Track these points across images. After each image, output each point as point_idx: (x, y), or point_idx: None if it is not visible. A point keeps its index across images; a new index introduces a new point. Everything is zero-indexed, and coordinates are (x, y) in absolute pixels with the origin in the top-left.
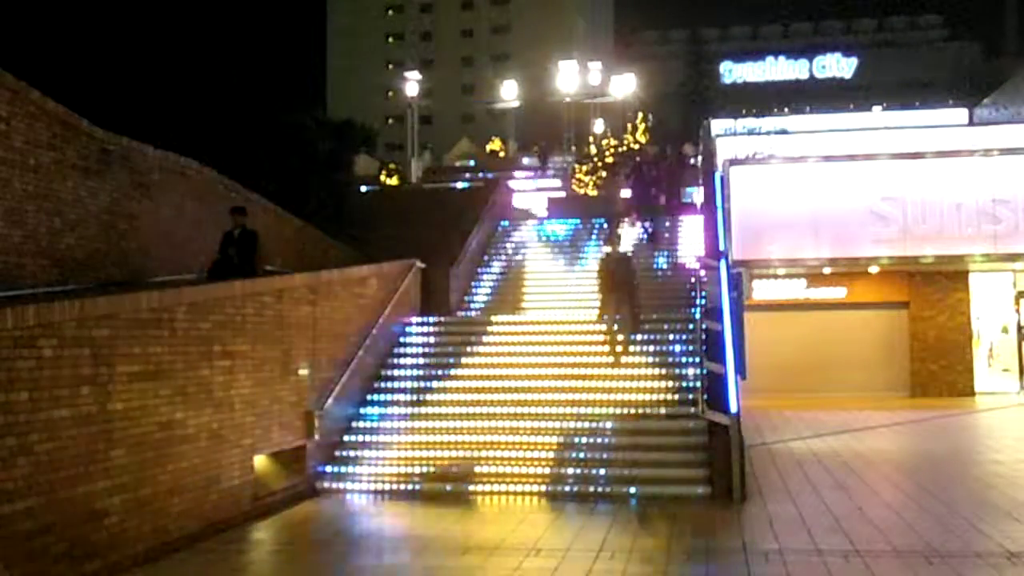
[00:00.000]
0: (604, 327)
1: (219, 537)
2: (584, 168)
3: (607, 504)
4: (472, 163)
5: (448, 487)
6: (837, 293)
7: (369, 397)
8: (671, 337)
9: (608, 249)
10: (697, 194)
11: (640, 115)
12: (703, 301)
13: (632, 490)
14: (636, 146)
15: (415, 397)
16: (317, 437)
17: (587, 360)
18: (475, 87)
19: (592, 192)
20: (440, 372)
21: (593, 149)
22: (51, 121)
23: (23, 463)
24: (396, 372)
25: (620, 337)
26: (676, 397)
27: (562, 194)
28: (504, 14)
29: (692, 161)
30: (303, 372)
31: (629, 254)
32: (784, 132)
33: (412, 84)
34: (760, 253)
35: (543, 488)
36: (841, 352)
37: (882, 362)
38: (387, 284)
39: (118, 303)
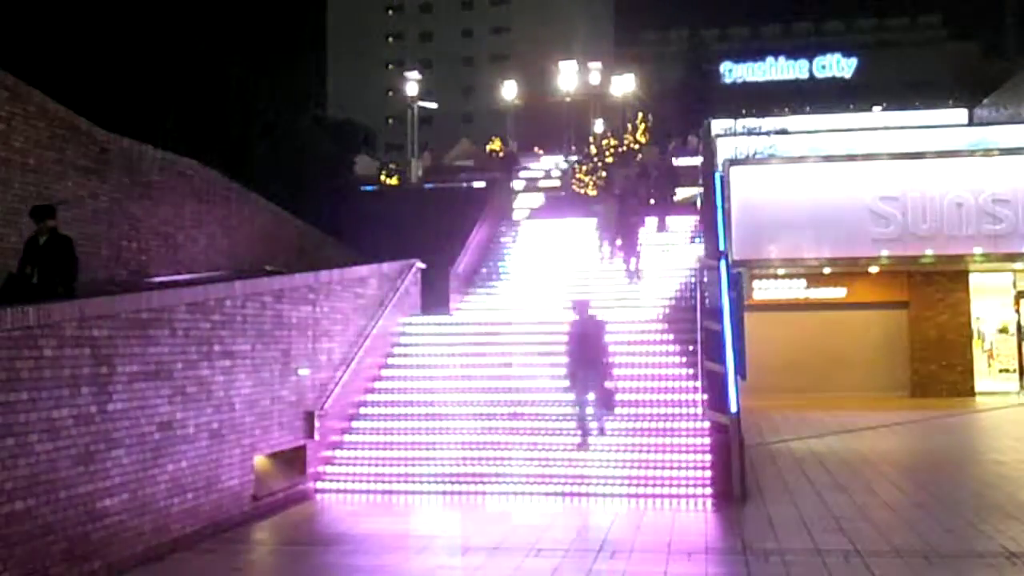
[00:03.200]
0: (572, 407)
1: (219, 537)
2: (584, 168)
3: (607, 504)
4: (472, 163)
5: (448, 487)
6: (837, 293)
7: (369, 397)
8: None
9: (576, 317)
10: (684, 193)
11: (640, 115)
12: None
13: (632, 490)
14: (636, 146)
15: (415, 397)
16: (317, 437)
17: None
18: (475, 87)
19: (592, 192)
20: (440, 372)
21: (593, 149)
22: (51, 121)
23: (23, 463)
24: (396, 372)
25: (590, 417)
26: (677, 397)
27: (541, 201)
28: (504, 14)
29: (675, 161)
30: (303, 372)
31: (601, 317)
32: (784, 132)
33: (412, 84)
34: (760, 253)
35: (543, 488)
36: (841, 352)
37: (882, 362)
38: (387, 284)
39: (118, 303)
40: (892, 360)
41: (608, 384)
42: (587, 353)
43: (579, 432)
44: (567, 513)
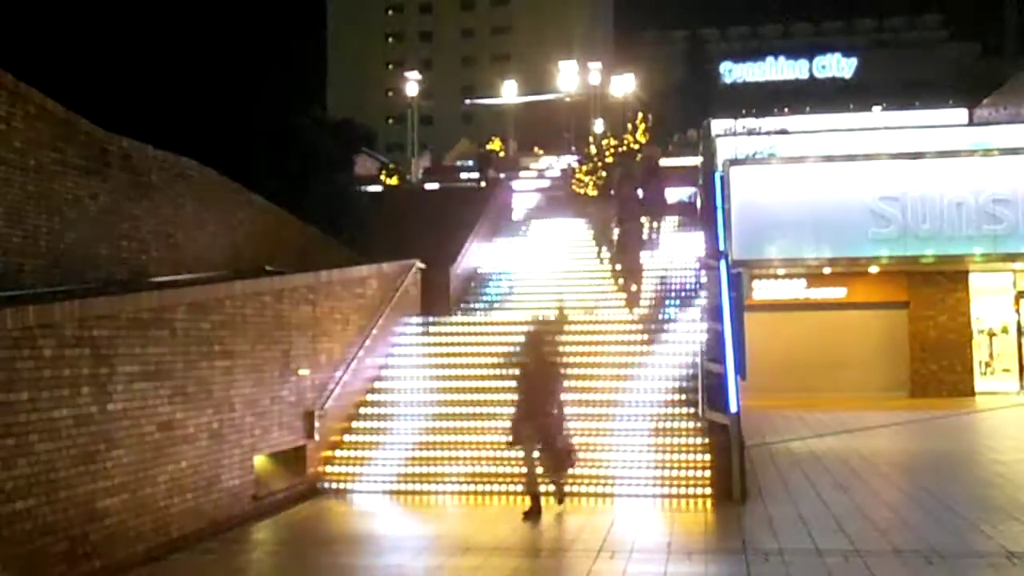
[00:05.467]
0: (524, 464)
1: (219, 537)
2: (584, 168)
3: (607, 504)
4: (472, 163)
5: (448, 487)
6: (837, 293)
7: (369, 397)
8: None
9: (528, 355)
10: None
11: (640, 115)
12: None
13: (632, 490)
14: (636, 145)
15: (415, 397)
16: (317, 437)
17: (587, 360)
18: (475, 87)
19: (592, 192)
20: (440, 372)
21: (593, 149)
22: (51, 121)
23: (23, 463)
24: (396, 372)
25: (539, 475)
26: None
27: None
28: (504, 14)
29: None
30: (303, 372)
31: (555, 360)
32: (784, 132)
33: (412, 84)
34: (760, 253)
35: (542, 488)
36: (841, 352)
37: (882, 362)
38: (387, 284)
39: (118, 303)
40: (892, 360)
41: (560, 442)
42: (534, 402)
43: (529, 497)
44: (567, 513)
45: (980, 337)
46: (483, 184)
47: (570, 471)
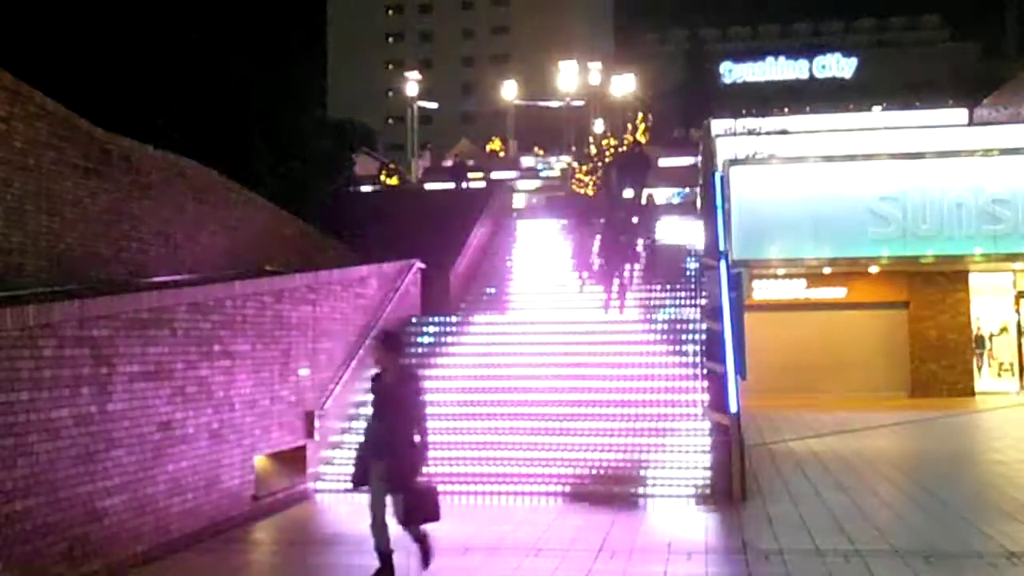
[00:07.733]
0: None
1: (219, 537)
2: (584, 168)
3: (607, 504)
4: (471, 163)
5: (448, 487)
6: (837, 293)
7: (369, 397)
8: None
9: (380, 367)
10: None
11: (640, 115)
12: None
13: (632, 490)
14: (636, 149)
15: None
16: (317, 437)
17: (586, 360)
18: (475, 87)
19: (592, 192)
20: (439, 372)
21: (593, 149)
22: (51, 121)
23: (23, 463)
24: None
25: (392, 535)
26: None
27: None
28: (504, 14)
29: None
30: (303, 372)
31: (412, 371)
32: (784, 132)
33: (412, 84)
34: (760, 253)
35: (543, 488)
36: (841, 352)
37: (882, 362)
38: (387, 284)
39: (118, 303)
40: (892, 360)
41: (417, 485)
42: (390, 428)
43: (377, 556)
44: (567, 513)
45: (992, 338)
46: (483, 185)
47: (428, 527)
